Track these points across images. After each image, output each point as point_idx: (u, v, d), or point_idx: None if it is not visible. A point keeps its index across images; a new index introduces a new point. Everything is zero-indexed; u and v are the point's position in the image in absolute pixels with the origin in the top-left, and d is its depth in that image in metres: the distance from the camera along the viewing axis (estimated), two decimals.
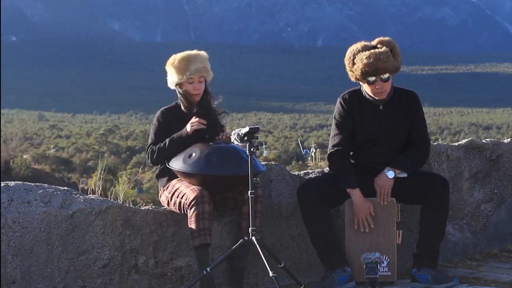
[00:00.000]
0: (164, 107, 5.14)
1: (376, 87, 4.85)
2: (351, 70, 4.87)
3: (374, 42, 4.90)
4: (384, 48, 4.82)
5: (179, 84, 5.09)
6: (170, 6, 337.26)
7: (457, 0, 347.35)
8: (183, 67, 5.05)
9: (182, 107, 5.10)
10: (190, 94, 5.07)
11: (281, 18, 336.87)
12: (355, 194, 4.91)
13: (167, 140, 4.96)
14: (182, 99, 5.10)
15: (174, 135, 4.95)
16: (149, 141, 5.06)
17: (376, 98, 4.91)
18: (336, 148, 4.96)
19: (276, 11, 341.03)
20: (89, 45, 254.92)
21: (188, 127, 4.94)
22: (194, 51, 5.15)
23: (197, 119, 4.95)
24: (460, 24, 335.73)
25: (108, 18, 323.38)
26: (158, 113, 5.10)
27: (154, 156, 4.98)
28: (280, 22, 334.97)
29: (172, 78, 5.11)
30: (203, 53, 5.17)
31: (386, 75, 4.82)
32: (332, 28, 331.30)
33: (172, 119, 5.05)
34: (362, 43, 4.90)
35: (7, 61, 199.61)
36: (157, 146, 4.98)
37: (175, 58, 5.11)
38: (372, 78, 4.82)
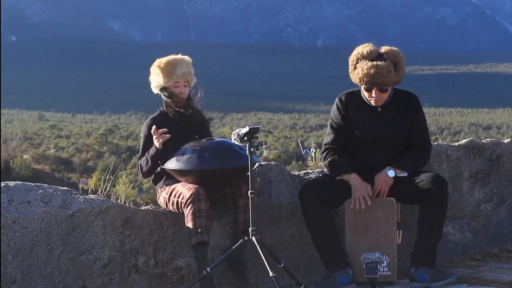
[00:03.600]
0: (149, 119, 5.14)
1: (373, 95, 4.87)
2: (352, 73, 4.89)
3: (382, 50, 4.87)
4: (388, 61, 4.80)
5: (164, 88, 5.10)
6: (170, 6, 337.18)
7: (457, 0, 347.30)
8: (170, 71, 5.07)
9: (169, 112, 5.10)
10: (177, 95, 5.08)
11: (281, 18, 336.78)
12: (353, 177, 4.91)
13: (148, 157, 4.97)
14: (168, 101, 5.10)
15: (148, 153, 4.96)
16: (138, 154, 5.09)
17: (371, 103, 4.93)
18: (326, 147, 5.02)
19: (276, 11, 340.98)
20: (89, 45, 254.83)
21: (156, 143, 4.92)
22: (179, 56, 5.18)
23: (155, 133, 4.90)
24: (460, 24, 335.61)
25: (108, 18, 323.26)
26: (144, 126, 5.12)
27: (142, 172, 5.03)
28: (280, 22, 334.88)
29: (158, 82, 5.11)
30: (187, 58, 5.20)
31: (383, 88, 4.83)
32: (332, 28, 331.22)
33: (159, 129, 5.06)
34: (370, 47, 4.85)
35: (7, 61, 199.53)
36: (141, 162, 5.01)
37: (161, 61, 5.13)
38: (371, 87, 4.84)
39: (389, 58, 4.82)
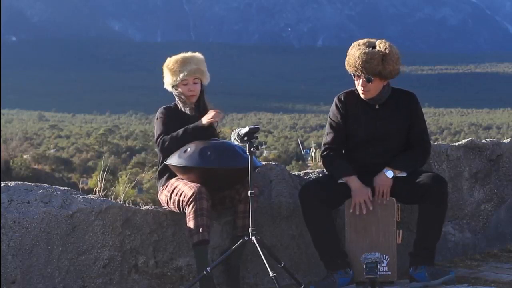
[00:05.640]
0: (164, 106, 5.17)
1: (358, 83, 4.89)
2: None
3: (377, 42, 4.92)
4: (376, 51, 4.83)
5: (175, 86, 5.12)
6: (170, 6, 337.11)
7: (457, 0, 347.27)
8: (176, 69, 5.10)
9: (180, 108, 5.12)
10: (186, 95, 5.09)
11: (281, 18, 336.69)
12: (352, 180, 4.91)
13: (180, 130, 4.96)
14: (178, 100, 5.14)
15: (189, 126, 4.96)
16: (158, 132, 5.02)
17: (361, 96, 4.94)
18: (326, 146, 5.01)
19: (276, 11, 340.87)
20: (89, 45, 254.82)
21: (204, 120, 4.96)
22: (189, 53, 5.19)
23: (214, 113, 4.96)
24: (460, 24, 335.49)
25: (108, 18, 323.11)
26: (161, 109, 5.13)
27: (166, 145, 4.95)
28: (280, 22, 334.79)
29: (168, 80, 5.16)
30: (198, 55, 5.20)
31: (367, 76, 4.82)
32: (332, 28, 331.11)
33: (172, 116, 5.07)
34: (370, 40, 4.93)
35: (7, 61, 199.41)
36: (170, 135, 4.96)
37: (170, 60, 5.16)
38: (355, 73, 4.85)
39: (380, 49, 4.84)
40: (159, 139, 5.00)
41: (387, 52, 4.83)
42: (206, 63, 5.24)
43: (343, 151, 5.07)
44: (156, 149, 5.09)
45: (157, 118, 5.12)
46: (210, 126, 5.01)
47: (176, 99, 5.15)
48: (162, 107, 5.15)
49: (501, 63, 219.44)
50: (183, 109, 5.10)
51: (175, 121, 5.05)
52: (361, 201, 4.89)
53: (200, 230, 4.66)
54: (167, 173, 5.04)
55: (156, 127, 5.08)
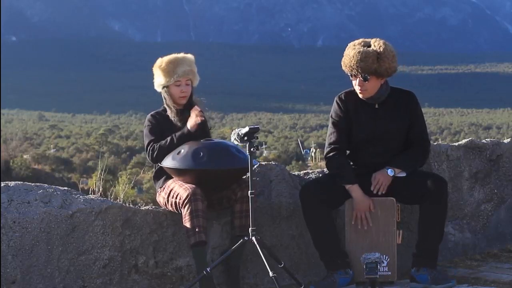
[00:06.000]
0: (153, 111, 5.16)
1: (355, 83, 4.89)
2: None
3: (371, 41, 4.93)
4: (371, 49, 4.83)
5: (166, 87, 5.11)
6: (170, 6, 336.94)
7: (457, 0, 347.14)
8: (170, 70, 5.08)
9: (168, 111, 5.10)
10: (177, 96, 5.09)
11: (281, 18, 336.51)
12: (355, 190, 4.91)
13: (168, 139, 4.97)
14: (168, 102, 5.11)
15: (176, 134, 4.96)
16: (147, 140, 5.05)
17: (359, 95, 4.94)
18: (332, 146, 4.98)
19: (276, 11, 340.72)
20: (89, 45, 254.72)
21: (189, 125, 4.95)
22: (181, 54, 5.19)
23: (195, 115, 4.94)
24: (460, 24, 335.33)
25: (108, 18, 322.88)
26: (148, 116, 5.13)
27: (155, 154, 4.98)
28: (280, 22, 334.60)
29: (159, 81, 5.13)
30: (190, 56, 5.20)
31: (364, 75, 4.83)
32: (332, 28, 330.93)
33: (161, 122, 5.07)
34: (366, 39, 4.93)
35: (7, 61, 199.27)
36: (158, 144, 4.98)
37: (162, 61, 5.13)
38: (352, 73, 4.85)
39: (374, 48, 4.84)
40: (148, 148, 5.02)
41: (382, 50, 4.83)
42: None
43: (347, 153, 5.05)
44: (148, 159, 5.10)
45: (145, 126, 5.14)
46: (198, 128, 4.97)
47: (165, 101, 5.13)
48: (149, 114, 5.15)
49: (501, 63, 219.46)
50: (169, 113, 5.08)
51: (164, 126, 5.05)
52: (362, 215, 4.90)
53: (197, 231, 4.66)
54: (164, 175, 5.04)
55: (144, 135, 5.10)
